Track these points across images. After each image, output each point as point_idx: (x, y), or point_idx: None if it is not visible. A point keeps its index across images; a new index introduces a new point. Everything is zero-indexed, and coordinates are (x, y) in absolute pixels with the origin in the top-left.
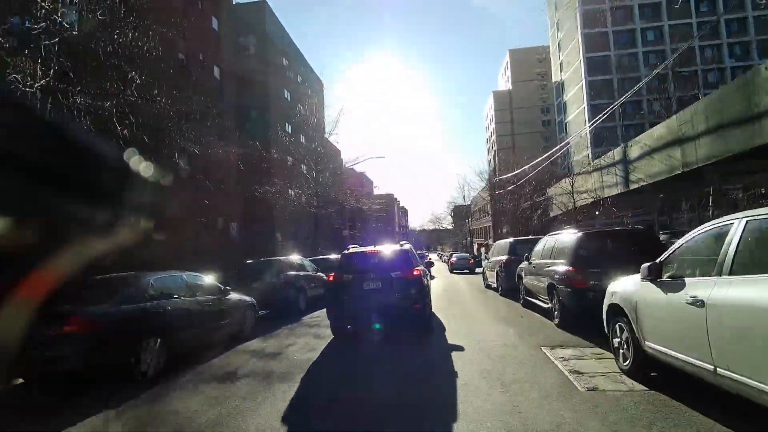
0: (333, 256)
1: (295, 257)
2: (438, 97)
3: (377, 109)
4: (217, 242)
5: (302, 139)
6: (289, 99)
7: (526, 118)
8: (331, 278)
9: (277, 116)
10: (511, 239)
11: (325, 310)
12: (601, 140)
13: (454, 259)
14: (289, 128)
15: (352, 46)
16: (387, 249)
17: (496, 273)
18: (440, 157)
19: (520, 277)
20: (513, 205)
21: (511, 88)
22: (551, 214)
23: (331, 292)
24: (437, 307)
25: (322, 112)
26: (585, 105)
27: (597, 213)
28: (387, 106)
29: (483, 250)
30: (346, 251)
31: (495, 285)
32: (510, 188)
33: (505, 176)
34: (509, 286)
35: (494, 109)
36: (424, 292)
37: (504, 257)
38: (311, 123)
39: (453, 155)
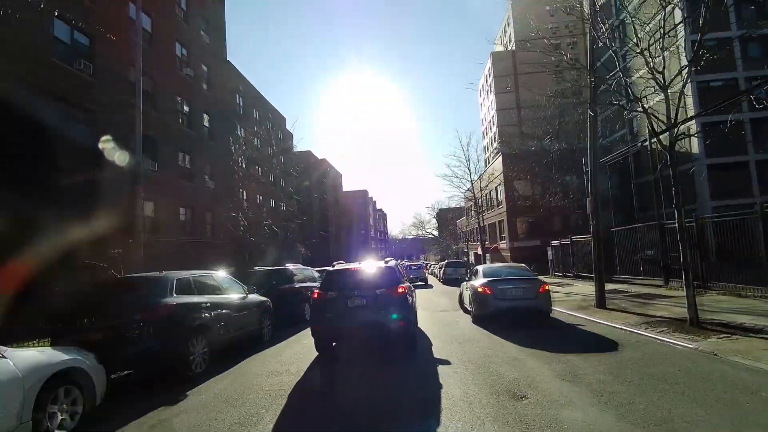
0: None
1: (208, 273)
2: (422, 89)
3: (353, 100)
4: None
5: None
6: None
7: (536, 83)
8: (315, 295)
9: None
10: None
11: (243, 363)
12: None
13: (487, 287)
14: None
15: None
16: (371, 266)
17: None
18: (423, 158)
19: None
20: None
21: (513, 46)
22: None
23: (315, 309)
24: None
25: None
26: None
27: None
28: (363, 98)
29: (488, 257)
30: (330, 268)
31: None
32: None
33: None
34: None
35: (494, 75)
36: (410, 309)
37: None
38: None
39: (439, 152)
